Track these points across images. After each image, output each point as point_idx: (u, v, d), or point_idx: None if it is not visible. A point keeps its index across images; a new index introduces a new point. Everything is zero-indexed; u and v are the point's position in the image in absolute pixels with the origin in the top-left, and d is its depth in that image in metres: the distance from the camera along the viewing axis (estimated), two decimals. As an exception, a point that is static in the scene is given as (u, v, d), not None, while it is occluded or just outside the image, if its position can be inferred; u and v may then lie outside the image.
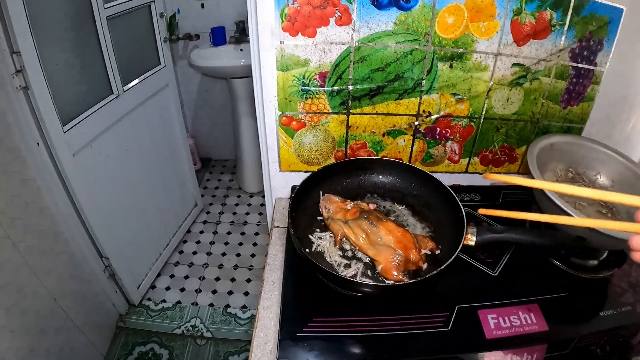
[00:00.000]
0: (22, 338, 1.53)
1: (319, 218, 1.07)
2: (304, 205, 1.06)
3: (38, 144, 1.57)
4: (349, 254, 0.99)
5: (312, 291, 0.96)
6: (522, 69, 1.15)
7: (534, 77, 1.17)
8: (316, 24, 1.04)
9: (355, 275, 0.92)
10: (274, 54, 1.08)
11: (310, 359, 0.83)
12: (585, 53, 1.16)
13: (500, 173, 1.32)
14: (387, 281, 0.90)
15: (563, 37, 1.12)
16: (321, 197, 1.09)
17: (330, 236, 1.02)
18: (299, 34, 1.05)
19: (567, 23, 1.10)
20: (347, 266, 0.95)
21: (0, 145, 1.40)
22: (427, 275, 0.83)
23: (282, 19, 1.03)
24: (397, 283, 0.88)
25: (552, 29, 1.10)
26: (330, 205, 1.05)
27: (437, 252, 0.97)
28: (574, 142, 1.21)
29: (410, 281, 0.85)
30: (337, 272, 0.91)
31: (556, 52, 1.14)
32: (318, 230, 1.04)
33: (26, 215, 1.54)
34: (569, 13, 1.08)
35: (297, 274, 1.00)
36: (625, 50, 1.17)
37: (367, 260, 0.97)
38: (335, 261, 0.96)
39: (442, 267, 0.82)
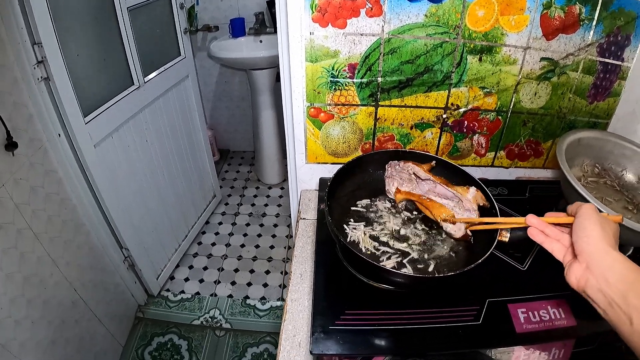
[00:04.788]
0: (44, 328, 1.53)
1: (353, 208, 1.07)
2: (337, 195, 1.05)
3: (59, 135, 1.57)
4: (384, 244, 0.98)
5: (343, 284, 0.96)
6: (550, 63, 1.14)
7: (562, 71, 1.16)
8: (346, 15, 1.03)
9: (394, 267, 0.91)
10: (303, 45, 1.07)
11: (343, 352, 0.82)
12: (612, 48, 1.15)
13: (525, 167, 1.33)
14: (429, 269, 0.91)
15: (591, 32, 1.11)
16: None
17: (365, 226, 1.02)
18: (329, 25, 1.05)
19: (596, 18, 1.09)
20: (382, 256, 0.95)
21: (22, 137, 1.40)
22: (463, 270, 0.82)
23: (312, 9, 1.02)
24: (432, 276, 0.88)
25: (581, 23, 1.09)
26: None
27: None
28: (601, 137, 1.20)
29: (445, 274, 0.84)
30: (378, 263, 0.89)
31: (584, 47, 1.13)
32: (352, 220, 1.04)
33: (48, 206, 1.55)
34: (598, 8, 1.07)
35: (328, 267, 1.00)
36: (653, 46, 1.17)
37: (401, 250, 0.97)
38: (370, 251, 0.96)
39: (478, 261, 0.82)
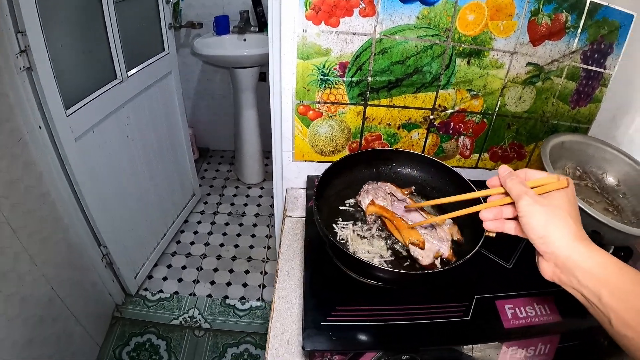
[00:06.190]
0: (20, 327, 1.50)
1: (341, 208, 1.07)
2: (325, 194, 1.05)
3: (40, 127, 1.54)
4: (373, 244, 0.98)
5: (334, 281, 0.96)
6: (535, 69, 1.17)
7: (547, 76, 1.19)
8: (340, 14, 1.04)
9: (382, 264, 0.92)
10: (295, 42, 1.07)
11: (335, 348, 0.83)
12: (596, 56, 1.18)
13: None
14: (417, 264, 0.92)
15: (576, 40, 1.13)
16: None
17: (353, 224, 1.02)
18: (322, 22, 1.05)
19: (581, 26, 1.11)
20: (371, 256, 0.95)
21: (2, 128, 1.37)
22: (451, 266, 0.84)
23: (306, 7, 1.02)
24: (422, 272, 0.88)
25: (567, 31, 1.12)
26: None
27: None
28: (583, 141, 1.23)
29: (433, 270, 0.85)
30: (367, 261, 0.89)
31: (569, 54, 1.16)
32: (340, 219, 1.04)
33: (27, 200, 1.52)
34: (583, 16, 1.10)
35: (318, 264, 0.99)
36: (634, 55, 1.19)
37: (391, 251, 0.97)
38: (358, 251, 0.96)
39: (466, 257, 0.83)
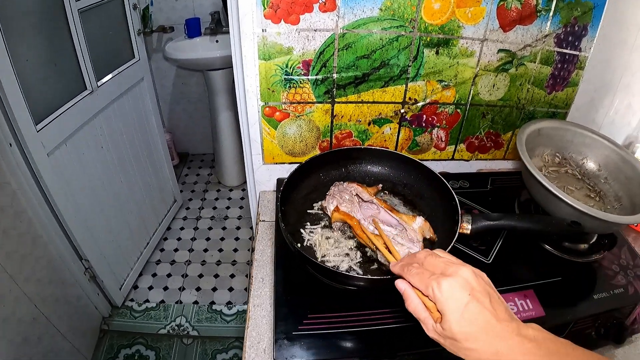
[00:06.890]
0: (5, 348, 1.47)
1: (310, 211, 1.05)
2: (292, 198, 1.03)
3: (11, 144, 1.50)
4: (342, 248, 0.96)
5: (305, 287, 0.93)
6: (508, 55, 1.14)
7: (520, 62, 1.16)
8: (299, 11, 1.01)
9: (349, 269, 0.90)
10: (255, 43, 1.04)
11: (308, 357, 0.80)
12: (570, 38, 1.16)
13: (486, 159, 1.33)
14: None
15: (548, 23, 1.11)
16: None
17: (322, 228, 0.99)
18: (282, 21, 1.02)
19: (553, 8, 1.09)
20: (340, 260, 0.92)
21: (-29, 148, 1.33)
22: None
23: (264, 5, 0.99)
24: (392, 276, 0.86)
25: (538, 14, 1.09)
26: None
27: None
28: (561, 127, 1.20)
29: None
30: (336, 268, 0.88)
31: (542, 38, 1.13)
32: (308, 224, 1.01)
33: (2, 220, 1.49)
34: (555, -2, 1.08)
35: (289, 270, 0.97)
36: (609, 36, 1.18)
37: (360, 253, 0.94)
38: (327, 255, 0.94)
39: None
